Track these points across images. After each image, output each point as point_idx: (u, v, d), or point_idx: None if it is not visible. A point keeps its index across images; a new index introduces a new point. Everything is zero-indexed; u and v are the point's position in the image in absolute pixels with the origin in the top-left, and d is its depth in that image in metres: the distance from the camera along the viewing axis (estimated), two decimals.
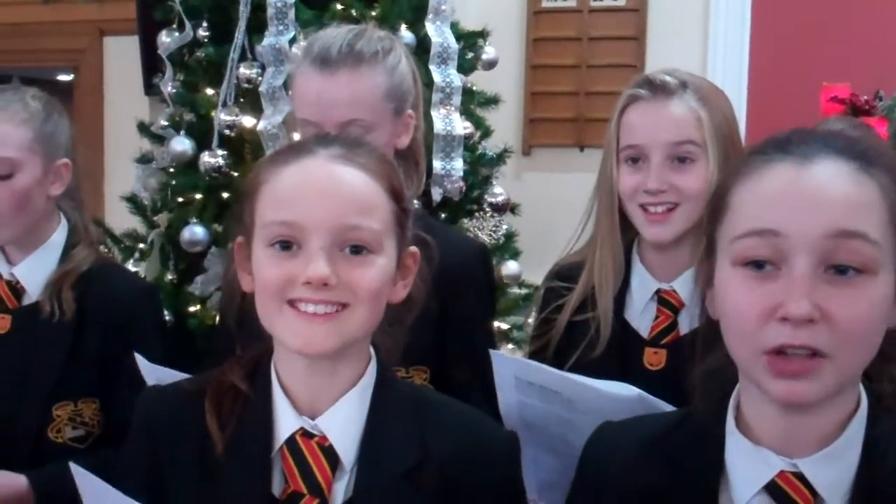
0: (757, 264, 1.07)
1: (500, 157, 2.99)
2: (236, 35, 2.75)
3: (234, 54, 2.73)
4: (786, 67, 4.48)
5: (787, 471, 1.10)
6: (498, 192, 2.93)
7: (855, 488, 1.10)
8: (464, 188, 2.79)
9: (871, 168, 1.07)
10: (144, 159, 3.00)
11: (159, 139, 2.95)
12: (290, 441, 1.25)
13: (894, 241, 1.07)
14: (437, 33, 2.79)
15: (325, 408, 1.26)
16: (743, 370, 1.12)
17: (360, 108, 1.75)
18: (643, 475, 1.19)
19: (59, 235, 1.99)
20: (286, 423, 1.26)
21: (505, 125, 4.42)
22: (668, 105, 1.76)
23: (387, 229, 1.26)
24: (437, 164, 2.73)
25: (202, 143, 2.78)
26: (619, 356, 1.79)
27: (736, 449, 1.15)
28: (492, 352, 1.65)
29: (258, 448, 1.25)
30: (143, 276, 2.75)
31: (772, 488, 1.11)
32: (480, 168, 2.93)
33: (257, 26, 2.74)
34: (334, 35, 1.80)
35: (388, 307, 1.30)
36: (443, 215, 2.90)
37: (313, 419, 1.26)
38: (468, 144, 2.87)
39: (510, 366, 1.61)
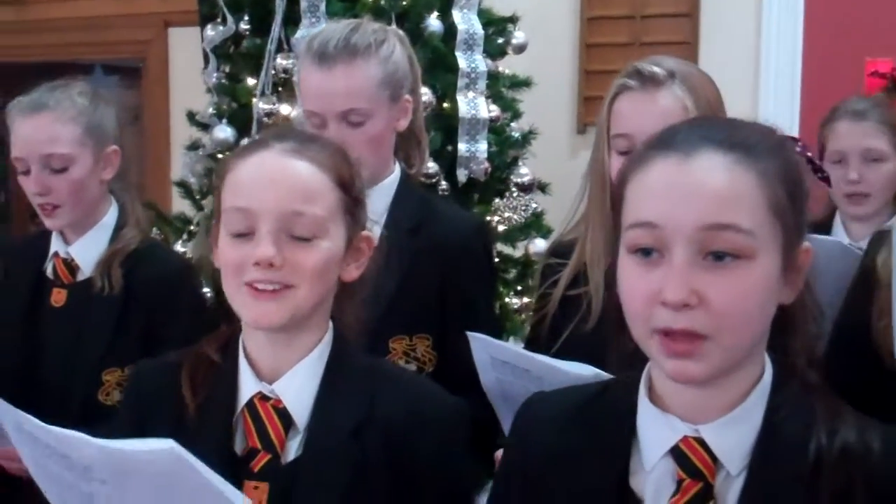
0: (644, 252, 1.14)
1: (526, 139, 3.09)
2: (273, 27, 2.89)
3: (271, 46, 2.88)
4: (835, 43, 4.47)
5: (689, 436, 1.18)
6: (524, 172, 3.03)
7: (754, 453, 1.17)
8: (489, 169, 2.91)
9: (749, 158, 1.13)
10: (193, 146, 3.18)
11: (206, 127, 3.13)
12: (250, 404, 1.41)
13: (774, 227, 1.13)
14: (464, 20, 2.91)
15: (284, 375, 1.42)
16: (642, 348, 1.19)
17: (357, 98, 1.91)
18: (563, 440, 1.28)
19: (110, 217, 2.20)
20: (247, 388, 1.42)
21: (559, 103, 4.54)
22: (655, 95, 1.85)
23: (332, 216, 1.41)
24: (462, 147, 2.86)
25: (243, 131, 2.94)
26: (618, 327, 1.89)
27: (646, 416, 1.23)
28: (468, 333, 1.75)
29: (223, 411, 1.42)
30: (189, 255, 2.93)
31: (675, 452, 1.19)
32: (508, 149, 3.03)
33: (293, 19, 2.88)
34: (331, 31, 1.97)
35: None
36: (475, 196, 3.03)
37: (272, 385, 1.41)
38: (495, 127, 2.98)
39: (485, 346, 1.73)
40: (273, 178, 1.38)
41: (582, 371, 1.59)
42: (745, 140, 1.16)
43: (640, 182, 1.17)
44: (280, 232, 1.36)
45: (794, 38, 4.48)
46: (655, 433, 1.22)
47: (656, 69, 1.85)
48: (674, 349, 1.12)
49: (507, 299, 3.05)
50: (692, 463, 1.18)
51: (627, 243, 1.17)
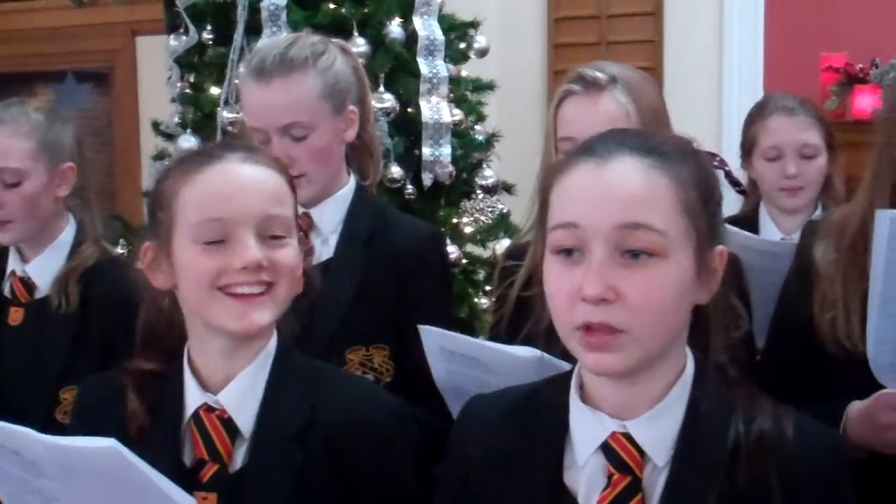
0: (567, 252, 1.20)
1: (490, 142, 3.13)
2: (235, 37, 2.92)
3: (233, 55, 2.91)
4: (793, 39, 4.53)
5: (617, 431, 1.24)
6: (488, 174, 3.07)
7: (678, 446, 1.23)
8: (454, 172, 2.94)
9: (663, 163, 1.20)
10: (159, 156, 3.20)
11: (171, 137, 3.15)
12: (195, 415, 1.44)
13: (686, 228, 1.20)
14: (424, 27, 2.94)
15: (229, 384, 1.45)
16: (566, 345, 1.25)
17: (297, 111, 1.92)
18: (500, 439, 1.33)
19: (67, 234, 2.19)
20: (193, 399, 1.45)
21: (528, 104, 4.59)
22: (598, 99, 1.89)
23: (295, 215, 1.48)
24: (427, 151, 2.89)
25: (207, 140, 2.95)
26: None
27: (577, 414, 1.28)
28: (419, 326, 1.79)
29: (170, 423, 1.45)
30: None
31: (605, 448, 1.24)
32: (472, 152, 3.07)
33: (255, 28, 2.90)
34: (269, 46, 1.98)
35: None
36: (442, 199, 3.06)
37: (217, 395, 1.44)
38: (459, 130, 3.01)
39: (436, 338, 1.76)
40: (244, 186, 1.43)
41: (525, 353, 1.63)
42: (660, 147, 1.23)
43: (561, 186, 1.24)
44: (259, 235, 1.41)
45: (755, 35, 4.54)
46: (586, 430, 1.27)
47: (599, 74, 1.89)
48: (592, 342, 1.18)
49: (475, 300, 3.08)
50: (620, 457, 1.24)
51: (551, 244, 1.23)
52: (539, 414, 1.32)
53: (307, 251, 1.57)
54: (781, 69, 4.49)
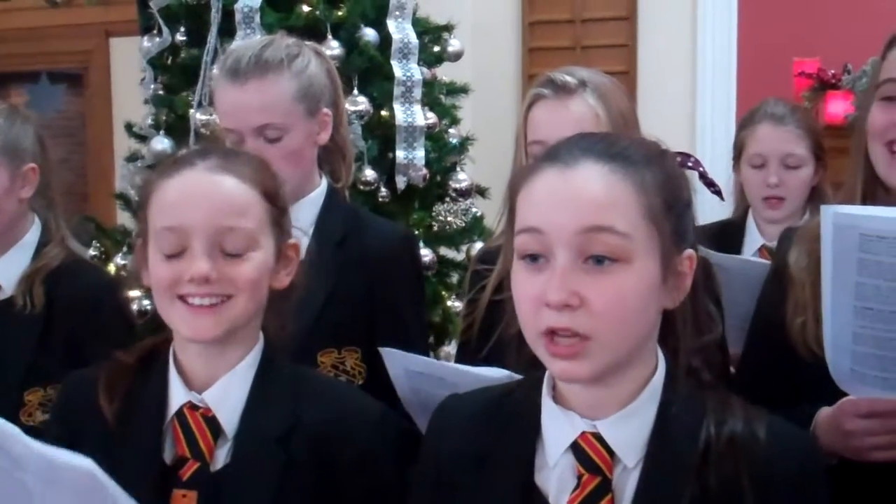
0: (532, 257, 1.21)
1: (463, 145, 3.14)
2: (209, 39, 2.91)
3: (207, 57, 2.90)
4: (770, 44, 4.56)
5: (587, 431, 1.24)
6: (462, 177, 3.08)
7: (648, 447, 1.24)
8: (427, 175, 2.95)
9: (626, 168, 1.20)
10: (132, 158, 3.19)
11: (144, 138, 3.14)
12: (179, 413, 1.44)
13: (650, 233, 1.20)
14: (398, 30, 2.95)
15: (214, 384, 1.45)
16: (533, 351, 1.25)
17: (271, 113, 1.92)
18: (473, 440, 1.33)
19: (32, 235, 2.16)
20: (177, 397, 1.46)
21: (504, 108, 4.59)
22: (568, 103, 1.90)
23: (262, 227, 1.45)
24: (400, 154, 2.90)
25: (181, 142, 2.95)
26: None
27: (549, 414, 1.28)
28: (381, 349, 1.79)
29: (152, 420, 1.45)
30: (129, 268, 2.93)
31: (575, 448, 1.25)
32: (446, 156, 3.08)
33: (229, 30, 2.90)
34: (244, 48, 1.98)
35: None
36: (415, 202, 3.07)
37: (202, 394, 1.45)
38: (433, 134, 3.02)
39: (399, 360, 1.77)
40: (202, 196, 1.42)
41: (494, 374, 1.64)
42: (624, 151, 1.23)
43: (527, 192, 1.24)
44: (213, 247, 1.40)
45: (729, 40, 4.58)
46: (557, 430, 1.27)
47: (568, 78, 1.90)
48: (558, 351, 1.19)
49: (448, 303, 3.09)
50: (590, 458, 1.24)
51: (517, 250, 1.23)
52: (512, 414, 1.32)
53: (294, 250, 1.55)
54: (754, 74, 4.52)
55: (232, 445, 1.43)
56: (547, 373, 1.30)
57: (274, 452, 1.42)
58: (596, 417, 1.25)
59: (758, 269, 1.99)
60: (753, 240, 2.64)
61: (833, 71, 4.23)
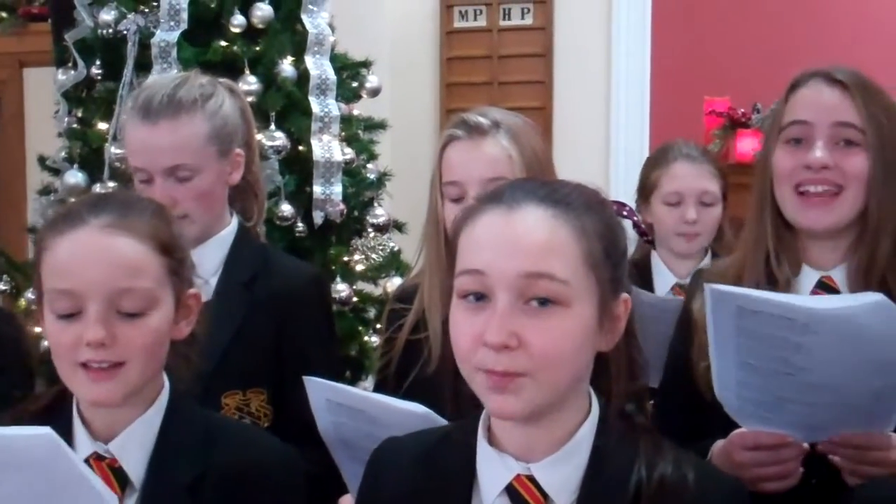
0: (473, 296, 1.23)
1: (381, 180, 3.15)
2: (125, 72, 2.89)
3: (122, 91, 2.87)
4: (681, 82, 4.68)
5: (522, 474, 1.27)
6: (380, 213, 3.09)
7: (581, 489, 1.26)
8: (345, 210, 2.96)
9: (568, 214, 1.24)
10: (45, 191, 3.14)
11: (58, 172, 3.09)
12: (85, 464, 1.40)
13: (589, 279, 1.23)
14: (316, 66, 2.95)
15: (120, 433, 1.43)
16: (469, 385, 1.27)
17: (183, 154, 1.91)
18: (410, 482, 1.35)
19: None
20: (83, 448, 1.43)
21: (422, 143, 4.63)
22: (481, 144, 1.92)
23: (160, 283, 1.43)
24: (318, 189, 2.90)
25: (95, 176, 2.92)
26: (453, 372, 1.95)
27: (484, 456, 1.31)
28: (304, 378, 1.78)
29: None
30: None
31: (510, 490, 1.27)
32: (364, 191, 3.08)
33: (145, 64, 2.87)
34: (157, 85, 1.97)
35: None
36: (332, 237, 3.07)
37: (108, 444, 1.42)
38: (351, 169, 3.03)
39: (321, 390, 1.76)
40: (95, 259, 1.39)
41: (414, 408, 1.65)
42: (567, 197, 1.26)
43: (469, 233, 1.27)
44: (108, 311, 1.38)
45: (642, 78, 4.69)
46: (492, 473, 1.29)
47: (482, 119, 1.93)
48: (495, 382, 1.21)
49: (365, 338, 3.09)
50: (525, 500, 1.26)
51: (458, 289, 1.25)
52: (448, 457, 1.34)
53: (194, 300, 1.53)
54: (666, 112, 4.63)
55: (140, 496, 1.42)
56: (482, 415, 1.33)
57: (183, 501, 1.42)
58: (530, 460, 1.27)
59: (672, 305, 2.05)
60: (664, 279, 2.70)
61: (742, 110, 4.37)
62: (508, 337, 1.19)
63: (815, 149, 1.66)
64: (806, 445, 1.57)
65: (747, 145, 4.34)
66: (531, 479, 1.26)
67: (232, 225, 2.04)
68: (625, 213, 1.37)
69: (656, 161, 2.75)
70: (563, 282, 1.21)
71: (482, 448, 1.31)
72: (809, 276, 1.71)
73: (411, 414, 1.64)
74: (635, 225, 1.31)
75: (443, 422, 1.60)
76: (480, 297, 1.23)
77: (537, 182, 1.33)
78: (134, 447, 1.43)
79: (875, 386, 1.46)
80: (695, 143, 2.79)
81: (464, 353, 1.24)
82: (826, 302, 1.50)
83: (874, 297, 1.44)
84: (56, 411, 1.47)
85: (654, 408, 1.90)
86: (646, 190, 2.75)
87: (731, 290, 1.50)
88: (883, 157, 1.65)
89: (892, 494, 1.32)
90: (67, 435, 1.43)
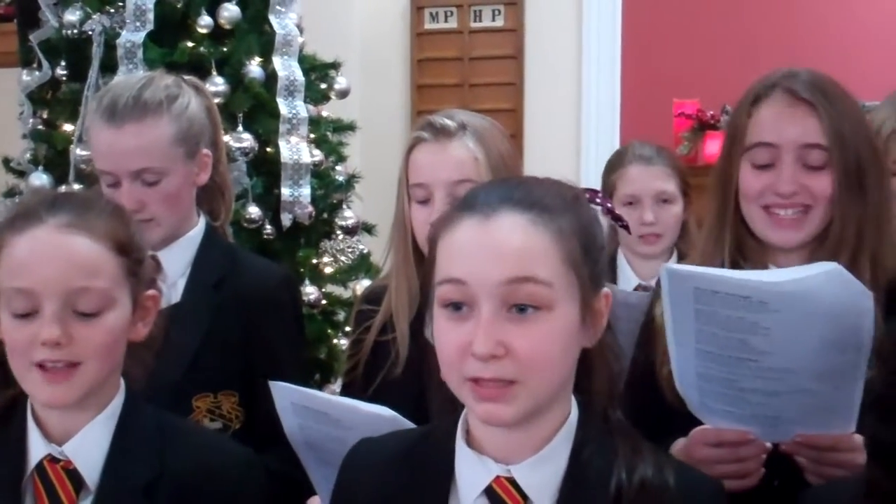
0: (455, 305, 1.23)
1: (350, 183, 3.14)
2: (90, 73, 2.86)
3: (88, 92, 2.84)
4: (651, 85, 4.70)
5: (502, 476, 1.26)
6: (348, 215, 3.08)
7: (561, 491, 1.26)
8: (313, 213, 2.94)
9: (545, 217, 1.23)
10: (10, 193, 3.10)
11: (23, 174, 3.06)
12: (39, 467, 1.41)
13: (570, 278, 1.23)
14: (284, 67, 2.94)
15: (75, 435, 1.42)
16: (456, 394, 1.27)
17: (150, 157, 1.89)
18: (386, 484, 1.34)
19: None
20: (36, 450, 1.42)
21: (393, 145, 4.60)
22: (447, 146, 1.92)
23: (116, 284, 1.42)
24: (286, 191, 2.88)
25: (60, 178, 2.89)
26: (419, 374, 1.94)
27: (463, 458, 1.30)
28: (270, 382, 1.77)
29: (11, 475, 1.41)
30: None
31: (489, 492, 1.26)
32: (333, 193, 3.07)
33: (111, 66, 2.84)
34: (122, 87, 1.94)
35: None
36: (301, 239, 3.05)
37: (62, 446, 1.41)
38: (319, 171, 3.01)
39: (286, 393, 1.75)
40: (51, 257, 1.38)
41: (379, 411, 1.64)
42: (542, 199, 1.25)
43: (447, 241, 1.26)
44: (64, 310, 1.36)
45: (612, 80, 4.71)
46: (471, 474, 1.29)
47: (448, 122, 1.93)
48: (484, 394, 1.21)
49: (335, 341, 3.07)
50: (504, 502, 1.26)
51: (439, 298, 1.25)
52: (426, 458, 1.34)
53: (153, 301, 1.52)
54: (636, 114, 4.65)
55: (94, 498, 1.40)
56: (461, 417, 1.32)
57: (139, 502, 1.40)
58: (510, 462, 1.27)
59: (643, 300, 2.05)
60: (628, 279, 2.71)
61: (711, 112, 4.38)
62: (495, 346, 1.19)
63: (782, 177, 1.67)
64: (768, 445, 1.57)
65: (716, 147, 4.34)
66: (511, 480, 1.26)
67: (199, 225, 2.02)
68: (597, 200, 1.35)
69: (613, 165, 2.77)
70: (546, 284, 1.21)
71: (461, 449, 1.31)
72: None
73: (377, 417, 1.63)
74: (608, 211, 1.32)
75: (409, 424, 1.60)
76: (463, 306, 1.22)
77: (511, 183, 1.32)
78: (89, 449, 1.42)
79: (834, 367, 1.46)
80: (651, 143, 2.78)
81: (450, 363, 1.24)
82: (781, 275, 1.49)
83: (828, 266, 1.44)
84: (10, 414, 1.46)
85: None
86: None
87: (687, 270, 1.51)
88: (846, 173, 1.66)
89: (843, 497, 1.32)
90: (21, 439, 1.42)
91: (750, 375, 1.49)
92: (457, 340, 1.22)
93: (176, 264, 1.93)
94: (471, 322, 1.21)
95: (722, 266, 1.72)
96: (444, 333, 1.24)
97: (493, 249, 1.21)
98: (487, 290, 1.20)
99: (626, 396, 1.83)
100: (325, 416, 1.70)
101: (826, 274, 1.43)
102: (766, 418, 1.54)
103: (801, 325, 1.44)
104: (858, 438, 1.51)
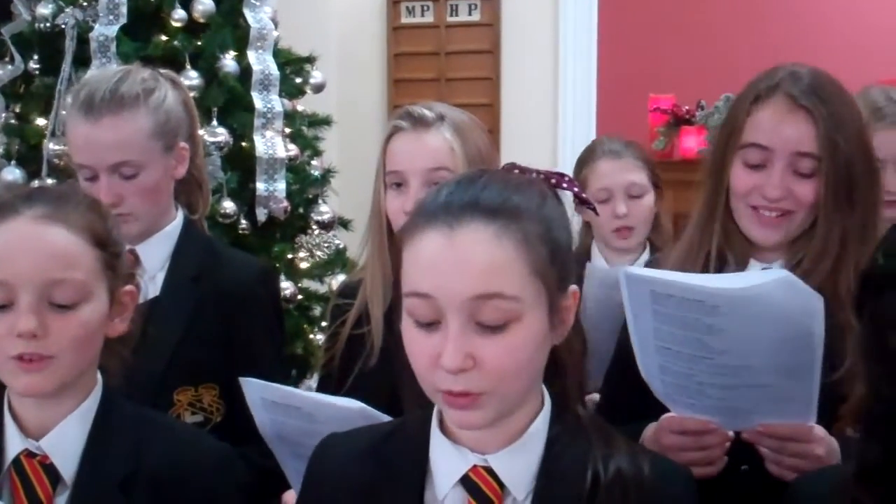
0: (423, 320, 1.22)
1: (325, 177, 3.13)
2: (63, 67, 2.85)
3: (61, 86, 2.83)
4: (627, 80, 4.71)
5: (479, 465, 1.27)
6: (324, 210, 3.07)
7: (538, 479, 1.27)
8: (288, 207, 2.93)
9: (511, 226, 1.20)
10: None
11: None
12: (16, 461, 1.39)
13: (538, 287, 1.22)
14: (259, 61, 2.93)
15: (51, 430, 1.40)
16: (430, 399, 1.27)
17: (127, 151, 1.87)
18: (358, 477, 1.33)
19: None
20: (13, 445, 1.40)
21: (369, 139, 4.59)
22: (425, 136, 1.92)
23: (93, 276, 1.41)
24: (261, 186, 2.88)
25: (33, 173, 2.87)
26: (394, 365, 1.94)
27: (438, 448, 1.30)
28: (241, 379, 1.76)
29: None
30: None
31: (465, 481, 1.27)
32: (308, 187, 3.06)
33: (84, 59, 2.83)
34: (98, 80, 1.92)
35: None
36: (277, 234, 3.05)
37: (39, 441, 1.40)
38: (295, 166, 3.01)
39: (257, 390, 1.75)
40: (28, 248, 1.36)
41: (349, 404, 1.64)
42: (508, 203, 1.23)
43: (411, 253, 1.24)
44: (40, 302, 1.35)
45: (588, 75, 4.72)
46: (447, 464, 1.29)
47: (426, 112, 1.93)
48: (455, 403, 1.21)
49: (311, 336, 3.07)
50: (481, 490, 1.26)
51: (407, 309, 1.24)
52: (398, 449, 1.33)
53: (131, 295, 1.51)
54: (612, 108, 4.66)
55: (71, 493, 1.39)
56: (436, 408, 1.32)
57: (115, 498, 1.39)
58: (485, 451, 1.27)
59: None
60: None
61: (687, 107, 4.40)
62: (464, 360, 1.18)
63: (771, 181, 1.68)
64: (731, 433, 1.58)
65: (691, 142, 4.38)
66: (489, 469, 1.27)
67: (178, 219, 2.00)
68: (564, 184, 1.34)
69: (583, 161, 2.77)
70: (513, 298, 1.20)
71: (436, 439, 1.31)
72: (755, 269, 1.74)
73: (346, 409, 1.63)
74: (576, 196, 1.31)
75: (380, 416, 1.60)
76: (431, 322, 1.21)
77: (479, 183, 1.27)
78: (66, 444, 1.41)
79: (789, 364, 1.48)
80: (619, 137, 2.79)
81: (422, 374, 1.24)
82: (734, 281, 1.51)
83: (778, 274, 1.46)
84: None
85: (601, 391, 1.94)
86: None
87: (643, 275, 1.52)
88: (835, 182, 1.67)
89: (829, 488, 1.32)
90: None
91: (707, 371, 1.51)
92: (427, 352, 1.21)
93: (155, 258, 1.92)
94: (440, 334, 1.21)
95: (708, 257, 1.75)
96: (415, 344, 1.23)
97: (459, 265, 1.19)
98: (455, 305, 1.19)
99: (612, 375, 1.87)
100: (297, 411, 1.70)
101: (775, 282, 1.45)
102: (726, 409, 1.56)
103: (754, 327, 1.46)
104: (819, 430, 1.53)
